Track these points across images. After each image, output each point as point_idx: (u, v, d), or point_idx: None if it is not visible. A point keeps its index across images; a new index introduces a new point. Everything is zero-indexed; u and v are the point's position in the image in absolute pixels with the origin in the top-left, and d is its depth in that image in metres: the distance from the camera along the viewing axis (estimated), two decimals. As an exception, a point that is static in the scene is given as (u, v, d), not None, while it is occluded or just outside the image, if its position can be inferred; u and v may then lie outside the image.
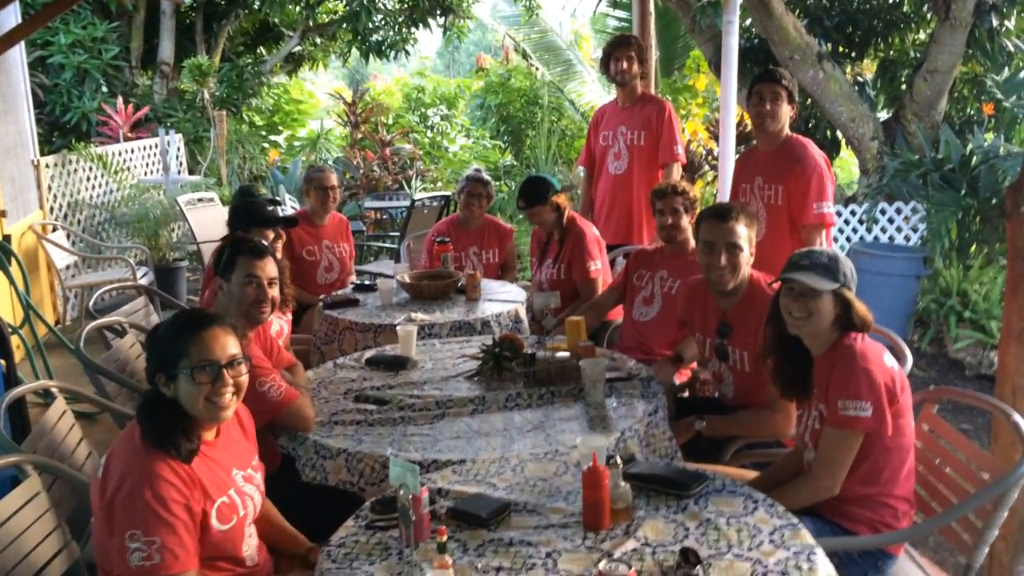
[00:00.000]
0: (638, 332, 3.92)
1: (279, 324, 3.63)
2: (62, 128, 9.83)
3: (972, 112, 8.29)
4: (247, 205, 4.10)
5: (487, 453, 2.53)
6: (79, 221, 7.77)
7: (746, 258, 3.09)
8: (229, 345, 2.16)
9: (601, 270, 4.44)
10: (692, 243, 3.89)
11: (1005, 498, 2.27)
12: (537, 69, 13.27)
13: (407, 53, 12.53)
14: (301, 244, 4.91)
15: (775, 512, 2.10)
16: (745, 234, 3.07)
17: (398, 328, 3.50)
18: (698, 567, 1.81)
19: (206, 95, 10.26)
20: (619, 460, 2.13)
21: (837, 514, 2.44)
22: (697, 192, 3.98)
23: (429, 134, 12.80)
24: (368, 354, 3.50)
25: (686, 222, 3.82)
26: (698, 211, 3.54)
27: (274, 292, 2.98)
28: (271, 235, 4.12)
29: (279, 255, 3.69)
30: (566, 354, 3.19)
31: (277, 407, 2.73)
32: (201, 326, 2.15)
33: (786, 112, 3.96)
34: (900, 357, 2.96)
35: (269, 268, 2.97)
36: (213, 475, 2.10)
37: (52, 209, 7.34)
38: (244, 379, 2.19)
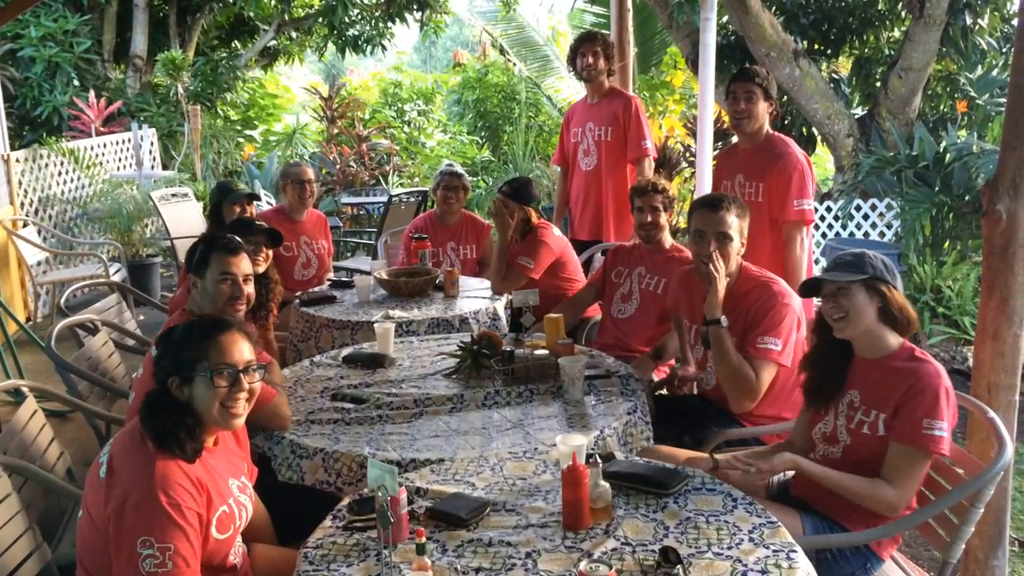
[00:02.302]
0: (616, 329, 3.92)
1: None
2: (33, 122, 9.68)
3: (946, 110, 8.36)
4: (235, 223, 3.94)
5: (466, 452, 2.52)
6: (50, 216, 7.67)
7: (736, 248, 3.08)
8: (246, 350, 2.15)
9: (532, 270, 4.31)
10: (670, 241, 3.90)
11: (981, 495, 2.28)
12: (514, 65, 13.24)
13: (384, 48, 12.45)
14: None
15: (754, 510, 2.10)
16: (736, 224, 3.06)
17: (375, 326, 3.48)
18: (678, 566, 1.80)
19: (180, 89, 10.14)
20: (598, 459, 2.12)
21: (834, 511, 2.43)
22: (675, 189, 3.98)
23: (406, 129, 12.74)
24: (345, 352, 3.47)
25: (664, 220, 3.82)
26: (676, 209, 3.54)
27: (249, 289, 2.95)
28: (238, 210, 4.23)
29: (264, 267, 3.63)
30: (545, 352, 3.18)
31: (254, 407, 2.70)
32: (220, 330, 2.14)
33: (763, 110, 3.96)
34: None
35: (244, 265, 2.94)
36: (214, 483, 2.08)
37: (23, 204, 7.23)
38: (257, 386, 2.18)
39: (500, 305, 4.14)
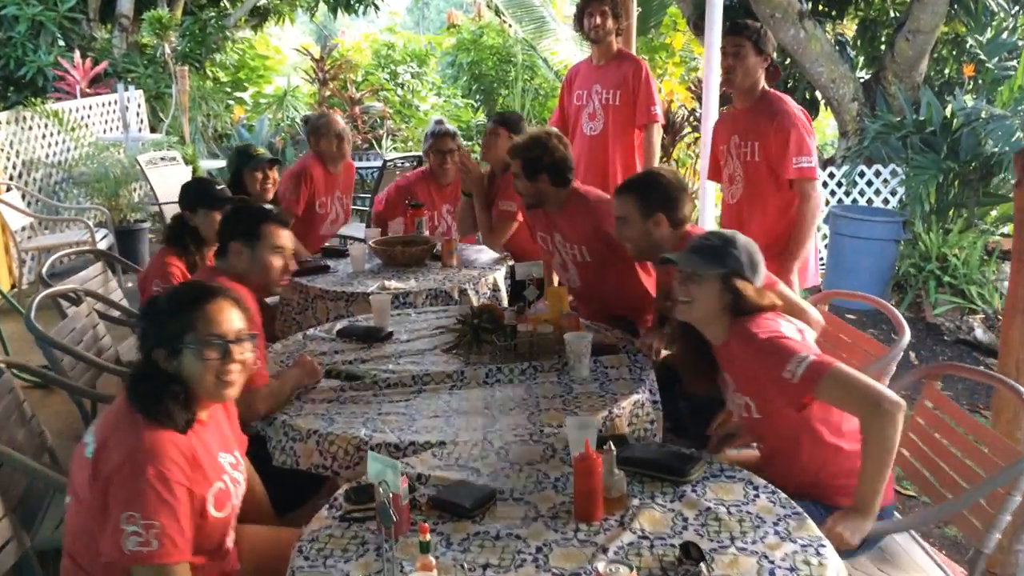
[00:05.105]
0: (581, 301, 3.76)
1: None
2: (16, 83, 9.43)
3: (952, 73, 8.17)
4: (242, 152, 4.20)
5: (468, 434, 2.38)
6: (35, 181, 7.46)
7: (638, 231, 3.02)
8: (236, 319, 2.03)
9: (516, 212, 4.18)
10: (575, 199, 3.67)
11: (1020, 482, 2.15)
12: (510, 26, 12.96)
13: (376, 8, 12.16)
14: (315, 196, 4.70)
15: (777, 500, 1.97)
16: (624, 208, 3.03)
17: (371, 297, 3.32)
18: (701, 564, 1.68)
19: (167, 49, 9.86)
20: (612, 446, 1.98)
21: (808, 489, 2.31)
22: (678, 154, 3.84)
23: (399, 92, 12.47)
24: (339, 325, 3.32)
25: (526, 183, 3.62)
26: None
27: (292, 263, 2.95)
28: (260, 176, 4.19)
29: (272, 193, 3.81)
30: (549, 327, 3.03)
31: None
32: (208, 298, 2.01)
33: (754, 64, 3.77)
34: (898, 329, 2.83)
35: (291, 238, 2.96)
36: (209, 458, 1.96)
37: (6, 168, 7.02)
38: (250, 356, 2.06)
39: (500, 276, 3.98)
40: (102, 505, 1.81)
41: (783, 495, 1.99)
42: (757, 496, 1.98)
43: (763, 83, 3.85)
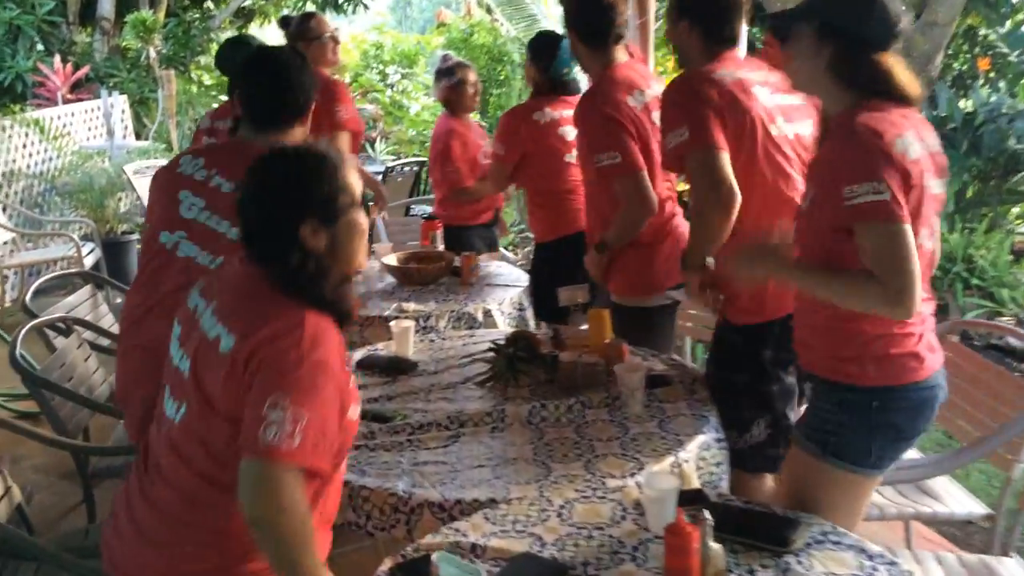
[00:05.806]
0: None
1: None
2: (-6, 90, 9.11)
3: (964, 67, 7.93)
4: None
5: (520, 489, 2.08)
6: (16, 193, 7.11)
7: None
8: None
9: (503, 156, 3.84)
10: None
11: None
12: (501, 24, 12.67)
13: (365, 7, 11.86)
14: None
15: (899, 574, 1.69)
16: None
17: (392, 324, 3.01)
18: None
19: (151, 53, 9.52)
20: (708, 514, 1.69)
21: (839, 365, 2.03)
22: None
23: (389, 93, 12.16)
24: (358, 355, 3.01)
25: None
26: None
27: None
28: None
29: None
30: (594, 356, 2.73)
31: None
32: (341, 158, 1.77)
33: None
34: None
35: None
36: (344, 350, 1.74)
37: (-15, 180, 6.70)
38: None
39: (525, 294, 3.69)
40: (246, 389, 1.57)
41: (904, 566, 1.71)
42: (875, 569, 1.70)
43: None
